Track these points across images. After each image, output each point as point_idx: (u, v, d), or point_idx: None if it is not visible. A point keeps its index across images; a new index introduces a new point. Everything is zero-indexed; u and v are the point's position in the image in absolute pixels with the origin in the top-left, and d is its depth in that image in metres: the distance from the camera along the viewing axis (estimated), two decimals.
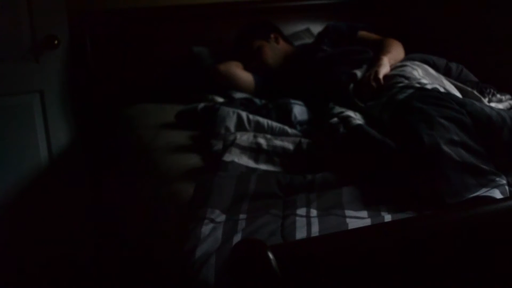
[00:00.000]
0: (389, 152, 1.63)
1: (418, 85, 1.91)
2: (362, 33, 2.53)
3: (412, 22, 2.99)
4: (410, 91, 1.87)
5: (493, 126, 1.68)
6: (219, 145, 1.90)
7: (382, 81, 2.06)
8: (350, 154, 1.74)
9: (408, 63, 2.16)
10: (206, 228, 1.41)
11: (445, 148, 1.55)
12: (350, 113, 1.92)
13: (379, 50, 2.31)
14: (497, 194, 1.47)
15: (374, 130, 1.75)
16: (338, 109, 1.99)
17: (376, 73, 2.09)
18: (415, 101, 1.77)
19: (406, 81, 1.97)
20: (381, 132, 1.72)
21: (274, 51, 2.54)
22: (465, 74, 2.28)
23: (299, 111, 2.12)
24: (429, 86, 1.90)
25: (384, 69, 2.13)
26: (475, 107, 1.73)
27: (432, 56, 2.30)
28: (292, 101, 2.16)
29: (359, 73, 2.19)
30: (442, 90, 1.90)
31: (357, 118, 1.89)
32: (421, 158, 1.57)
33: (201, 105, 2.19)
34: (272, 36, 2.56)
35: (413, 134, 1.62)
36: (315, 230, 1.40)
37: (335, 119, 1.88)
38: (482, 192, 1.49)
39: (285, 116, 2.10)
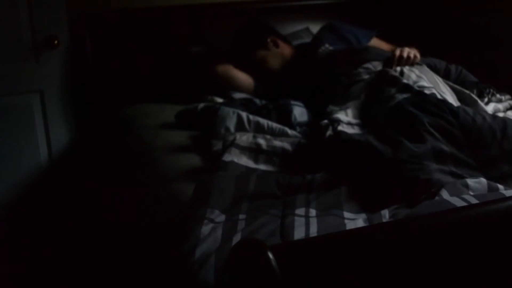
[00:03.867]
0: (373, 157, 1.65)
1: (416, 89, 1.91)
2: (374, 42, 2.54)
3: (412, 22, 2.99)
4: (406, 95, 1.87)
5: (483, 140, 1.70)
6: (218, 145, 1.91)
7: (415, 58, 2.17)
8: (336, 157, 1.75)
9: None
10: (205, 228, 1.41)
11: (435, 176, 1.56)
12: (341, 114, 1.92)
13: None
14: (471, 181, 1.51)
15: (367, 132, 1.76)
16: (332, 109, 1.99)
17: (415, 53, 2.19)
18: (410, 106, 1.78)
19: (404, 82, 1.97)
20: (376, 134, 1.73)
21: (276, 57, 2.52)
22: (464, 75, 2.29)
23: (299, 112, 2.12)
24: (427, 91, 1.90)
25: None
26: (467, 119, 1.75)
27: (433, 59, 2.30)
28: (292, 102, 2.16)
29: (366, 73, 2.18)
30: (439, 96, 1.90)
31: (347, 120, 1.89)
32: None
33: (201, 105, 2.19)
34: (269, 40, 2.54)
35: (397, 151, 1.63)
36: (313, 230, 1.40)
37: (325, 121, 1.89)
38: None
39: (285, 117, 2.10)
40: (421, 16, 2.97)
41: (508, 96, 2.20)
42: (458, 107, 1.85)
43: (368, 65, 2.21)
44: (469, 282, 1.22)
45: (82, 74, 2.58)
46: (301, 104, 2.18)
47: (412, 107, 1.76)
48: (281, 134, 1.99)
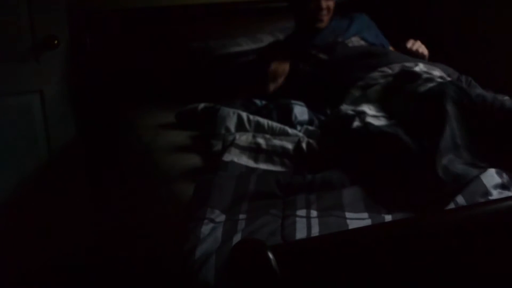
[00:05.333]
0: (400, 150, 1.63)
1: (440, 80, 1.91)
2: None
3: (412, 23, 2.99)
4: (432, 84, 1.87)
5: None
6: (219, 145, 1.91)
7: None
8: (361, 150, 1.73)
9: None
10: (206, 228, 1.41)
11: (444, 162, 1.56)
12: (365, 107, 1.91)
13: None
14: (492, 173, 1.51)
15: (395, 125, 1.76)
16: (346, 108, 1.97)
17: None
18: (438, 92, 1.77)
19: (428, 76, 1.97)
20: (403, 127, 1.73)
21: (328, 19, 2.48)
22: (473, 87, 2.28)
23: (299, 111, 2.12)
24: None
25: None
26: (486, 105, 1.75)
27: (446, 66, 2.30)
28: (293, 101, 2.16)
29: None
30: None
31: (371, 113, 1.87)
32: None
33: (202, 105, 2.19)
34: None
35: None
36: (315, 231, 1.39)
37: (351, 112, 1.87)
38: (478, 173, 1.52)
39: (286, 116, 2.10)
40: (421, 17, 2.97)
41: (507, 97, 2.20)
42: (477, 95, 1.84)
43: (384, 68, 2.18)
44: (469, 282, 1.22)
45: (82, 74, 2.58)
46: (301, 103, 2.18)
47: (440, 93, 1.75)
48: (282, 134, 1.99)
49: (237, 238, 1.36)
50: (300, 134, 1.99)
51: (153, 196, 1.91)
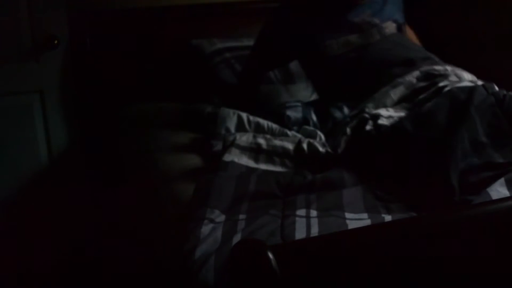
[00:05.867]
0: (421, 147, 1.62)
1: (470, 83, 1.90)
2: (408, 29, 2.45)
3: (412, 22, 2.99)
4: (461, 84, 1.86)
5: None
6: (219, 146, 1.91)
7: None
8: (372, 152, 1.72)
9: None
10: (205, 228, 1.41)
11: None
12: (382, 110, 1.90)
13: None
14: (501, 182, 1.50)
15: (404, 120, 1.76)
16: (370, 106, 1.96)
17: None
18: (464, 92, 1.77)
19: (457, 78, 1.97)
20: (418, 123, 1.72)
21: None
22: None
23: (292, 112, 2.11)
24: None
25: None
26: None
27: None
28: (287, 104, 2.15)
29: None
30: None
31: (387, 114, 1.86)
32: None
33: (209, 108, 2.16)
34: None
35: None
36: (314, 231, 1.39)
37: (367, 115, 1.86)
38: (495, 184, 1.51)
39: (279, 120, 2.08)
40: (421, 16, 2.97)
41: None
42: (504, 95, 1.82)
43: (414, 72, 2.08)
44: (469, 282, 1.22)
45: (82, 74, 2.58)
46: (297, 103, 2.17)
47: (466, 94, 1.75)
48: (281, 135, 1.99)
49: (237, 238, 1.36)
50: (299, 135, 1.98)
51: (153, 196, 1.91)
